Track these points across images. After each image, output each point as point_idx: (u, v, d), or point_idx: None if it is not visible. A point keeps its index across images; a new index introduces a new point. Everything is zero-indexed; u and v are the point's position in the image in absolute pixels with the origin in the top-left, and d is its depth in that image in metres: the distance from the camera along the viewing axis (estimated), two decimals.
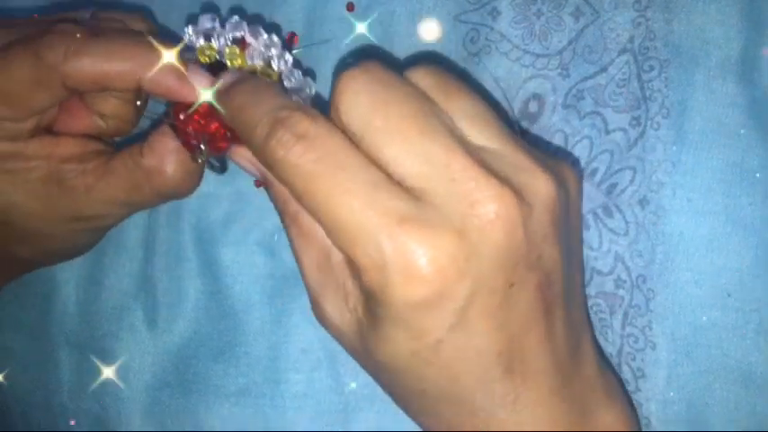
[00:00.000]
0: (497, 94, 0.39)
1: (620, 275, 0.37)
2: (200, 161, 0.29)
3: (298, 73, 0.28)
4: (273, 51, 0.27)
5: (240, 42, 0.26)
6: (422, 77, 0.26)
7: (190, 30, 0.27)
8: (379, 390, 0.38)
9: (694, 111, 0.38)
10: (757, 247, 0.37)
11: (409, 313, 0.23)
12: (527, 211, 0.24)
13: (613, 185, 0.38)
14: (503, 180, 0.24)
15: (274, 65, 0.27)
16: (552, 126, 0.38)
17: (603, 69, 0.39)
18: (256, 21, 0.31)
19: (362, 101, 0.24)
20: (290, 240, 0.28)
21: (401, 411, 0.37)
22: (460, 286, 0.23)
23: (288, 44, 0.35)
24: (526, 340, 0.25)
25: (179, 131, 0.28)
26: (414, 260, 0.22)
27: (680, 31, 0.38)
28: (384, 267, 0.23)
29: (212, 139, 0.28)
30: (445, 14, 0.40)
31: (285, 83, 0.27)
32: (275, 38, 0.27)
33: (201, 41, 0.27)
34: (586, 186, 0.38)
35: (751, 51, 0.38)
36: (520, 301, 0.24)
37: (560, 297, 0.26)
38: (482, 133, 0.25)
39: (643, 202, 0.38)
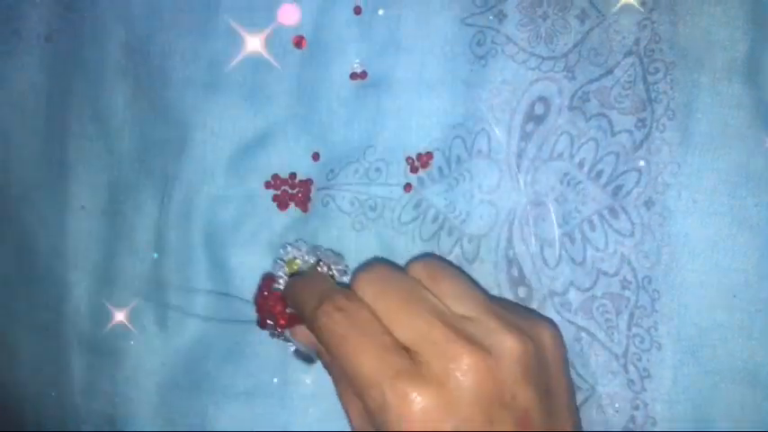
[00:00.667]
0: (504, 97, 0.39)
1: (626, 276, 0.38)
2: (270, 335, 0.38)
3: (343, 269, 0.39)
4: (336, 272, 0.38)
5: (317, 262, 0.38)
6: (418, 268, 0.34)
7: (286, 250, 0.39)
8: None
9: (700, 112, 0.38)
10: (763, 248, 0.37)
11: None
12: (494, 363, 0.30)
13: (619, 187, 0.38)
14: (475, 341, 0.30)
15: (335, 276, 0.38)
16: (558, 128, 0.39)
17: (609, 72, 0.39)
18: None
19: (369, 292, 0.32)
20: (339, 396, 0.35)
21: None
22: (446, 425, 0.29)
23: (296, 46, 0.41)
24: None
25: (259, 310, 0.38)
26: (406, 403, 0.29)
27: (685, 33, 0.38)
28: (384, 408, 0.29)
29: (276, 318, 0.37)
30: (452, 17, 0.40)
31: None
32: (339, 266, 0.39)
33: (290, 256, 0.39)
34: (592, 188, 0.38)
35: (757, 53, 0.38)
36: None
37: (540, 428, 0.30)
38: (462, 306, 0.32)
39: (649, 204, 0.38)
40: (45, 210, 0.44)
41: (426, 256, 0.36)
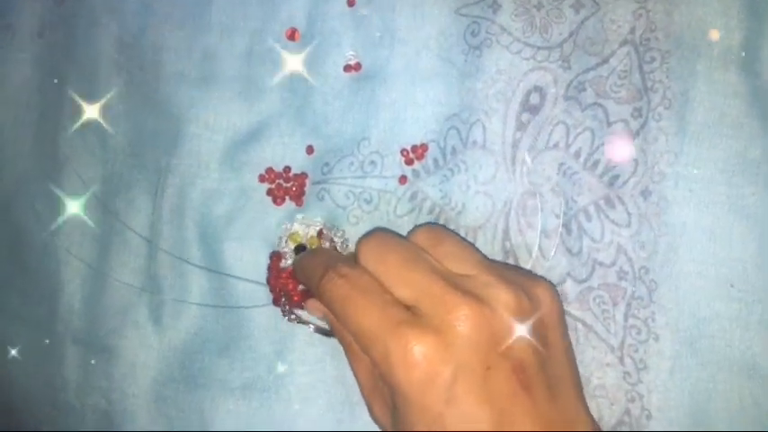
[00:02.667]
0: (499, 87, 0.39)
1: (623, 267, 0.37)
2: (283, 313, 0.40)
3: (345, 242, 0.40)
4: (337, 240, 0.40)
5: (319, 232, 0.40)
6: (419, 234, 0.35)
7: (287, 225, 0.40)
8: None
9: (696, 101, 0.38)
10: (760, 238, 0.37)
11: (412, 393, 0.30)
12: (489, 312, 0.31)
13: (615, 177, 0.38)
14: (471, 294, 0.31)
15: (337, 246, 0.40)
16: (554, 118, 0.38)
17: (605, 61, 0.39)
18: None
19: (371, 257, 0.34)
20: (349, 362, 0.36)
21: None
22: (445, 368, 0.30)
23: (289, 39, 0.41)
24: (513, 413, 0.30)
25: (271, 288, 0.40)
26: (407, 350, 0.30)
27: (681, 21, 0.38)
28: (388, 357, 0.30)
29: (290, 294, 0.39)
30: (446, 8, 0.40)
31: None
32: (339, 233, 0.40)
33: (292, 230, 0.40)
34: (588, 178, 0.38)
35: (752, 41, 0.37)
36: (499, 380, 0.30)
37: (537, 378, 0.31)
38: (461, 265, 0.33)
39: (645, 194, 0.38)
40: (38, 205, 0.44)
41: (428, 224, 0.36)
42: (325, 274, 0.34)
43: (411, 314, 0.31)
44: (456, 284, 0.32)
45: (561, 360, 0.32)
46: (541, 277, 0.35)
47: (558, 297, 0.34)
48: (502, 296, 0.32)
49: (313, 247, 0.39)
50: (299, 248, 0.39)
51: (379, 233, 0.35)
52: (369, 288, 0.33)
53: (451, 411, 0.30)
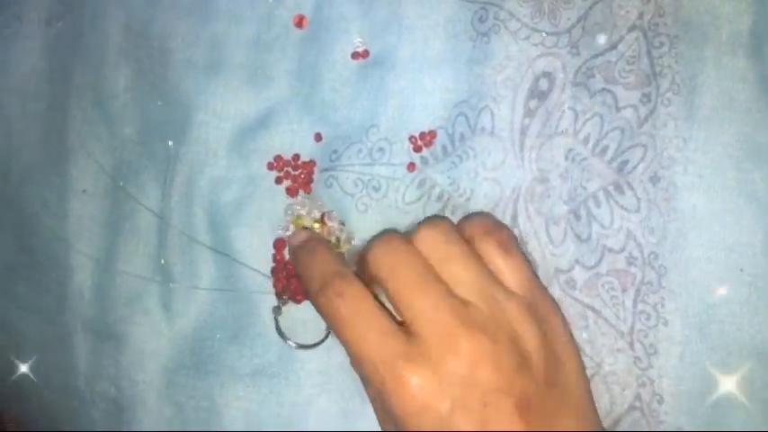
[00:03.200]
0: (507, 73, 0.39)
1: (632, 252, 0.37)
2: (275, 315, 0.40)
3: (350, 243, 0.40)
4: (336, 225, 0.40)
5: (321, 217, 0.40)
6: (428, 243, 0.34)
7: (290, 209, 0.40)
8: None
9: (705, 86, 0.38)
10: None
11: (407, 420, 0.31)
12: (493, 349, 0.31)
13: (624, 162, 0.38)
14: (476, 327, 0.32)
15: (337, 233, 0.40)
16: (562, 104, 0.38)
17: (613, 47, 0.38)
18: None
19: (383, 267, 0.34)
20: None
21: None
22: (441, 403, 0.31)
23: (297, 26, 0.42)
24: None
25: (274, 283, 0.40)
26: (402, 384, 0.31)
27: (689, 6, 0.38)
28: (384, 386, 0.31)
29: (293, 294, 0.39)
30: None
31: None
32: (338, 221, 0.40)
33: (295, 215, 0.40)
34: (597, 163, 0.38)
35: (761, 26, 0.37)
36: (499, 418, 0.31)
37: (542, 412, 0.31)
38: (466, 292, 0.33)
39: (654, 179, 0.38)
40: (47, 193, 0.44)
41: (434, 222, 0.36)
42: (321, 290, 0.34)
43: (409, 344, 0.32)
44: (461, 315, 0.32)
45: (570, 393, 0.33)
46: (551, 302, 0.36)
47: (568, 326, 0.35)
48: (507, 329, 0.32)
49: (316, 230, 0.40)
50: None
51: (391, 239, 0.35)
52: (367, 313, 0.33)
53: None
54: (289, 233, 0.40)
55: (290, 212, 0.40)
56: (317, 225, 0.40)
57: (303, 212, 0.40)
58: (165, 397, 0.41)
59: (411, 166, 0.40)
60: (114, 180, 0.43)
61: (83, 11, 0.45)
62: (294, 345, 0.39)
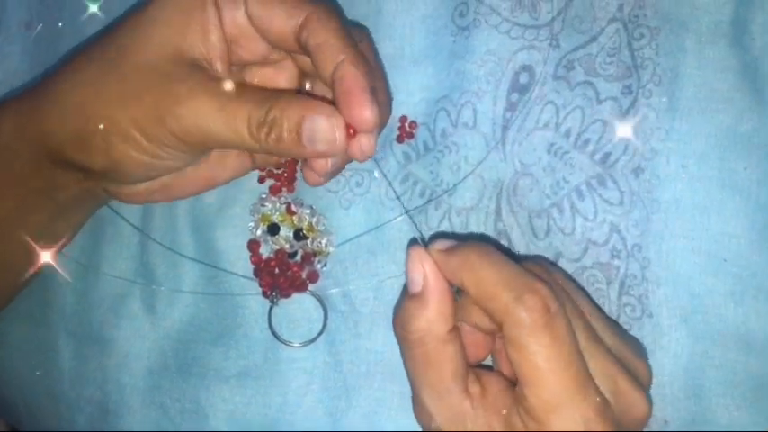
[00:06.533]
0: (488, 68, 0.39)
1: (616, 245, 0.37)
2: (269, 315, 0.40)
3: (322, 224, 0.40)
4: (305, 212, 0.40)
5: (287, 207, 0.40)
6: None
7: (255, 208, 0.40)
8: (377, 368, 0.39)
9: (686, 77, 0.37)
10: (753, 212, 0.36)
11: None
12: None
13: (607, 155, 0.38)
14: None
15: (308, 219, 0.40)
16: (543, 97, 0.38)
17: (593, 39, 0.38)
18: None
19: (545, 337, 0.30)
20: (418, 363, 0.33)
21: (400, 391, 0.38)
22: None
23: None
24: None
25: (260, 283, 0.40)
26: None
27: None
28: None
29: (281, 289, 0.39)
30: None
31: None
32: (309, 209, 0.40)
33: (261, 213, 0.40)
34: (579, 157, 0.38)
35: (741, 15, 0.37)
36: None
37: None
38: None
39: (637, 171, 0.37)
40: None
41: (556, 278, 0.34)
42: (519, 302, 0.30)
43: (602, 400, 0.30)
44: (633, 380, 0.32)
45: None
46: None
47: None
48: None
49: (284, 223, 0.39)
50: (273, 228, 0.39)
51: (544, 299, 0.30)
52: (572, 347, 0.30)
53: None
54: (259, 233, 0.40)
55: (255, 213, 0.40)
56: (285, 216, 0.40)
57: (268, 209, 0.40)
58: (151, 400, 0.41)
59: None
60: None
61: (62, 14, 0.45)
62: (298, 344, 0.39)
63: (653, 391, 0.35)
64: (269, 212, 0.40)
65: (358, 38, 0.35)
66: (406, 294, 0.33)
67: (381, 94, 0.35)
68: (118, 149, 0.34)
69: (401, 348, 0.33)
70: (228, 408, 0.40)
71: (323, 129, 0.32)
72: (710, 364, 0.36)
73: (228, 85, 0.33)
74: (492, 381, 0.32)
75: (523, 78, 0.38)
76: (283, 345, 0.39)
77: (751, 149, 0.37)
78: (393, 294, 0.38)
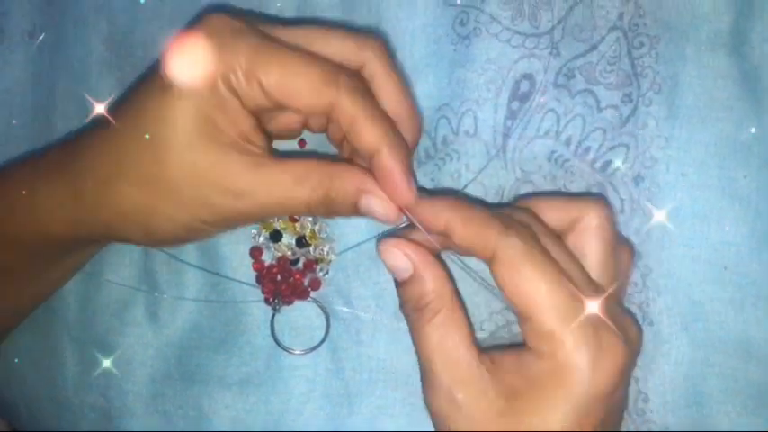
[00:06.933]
0: (489, 76, 0.39)
1: None
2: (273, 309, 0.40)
3: (324, 232, 0.40)
4: (308, 220, 0.40)
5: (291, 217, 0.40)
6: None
7: None
8: (379, 375, 0.39)
9: (686, 85, 0.38)
10: (753, 220, 0.37)
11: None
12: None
13: (607, 163, 0.38)
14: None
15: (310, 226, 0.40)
16: (544, 105, 0.38)
17: (594, 47, 0.39)
18: None
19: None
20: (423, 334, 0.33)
21: (402, 398, 0.38)
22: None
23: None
24: None
25: (263, 290, 0.40)
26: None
27: (669, 6, 0.38)
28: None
29: (283, 296, 0.40)
30: None
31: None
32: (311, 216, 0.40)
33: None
34: (580, 165, 0.38)
35: (741, 24, 0.38)
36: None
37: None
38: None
39: (637, 179, 0.38)
40: None
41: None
42: (505, 234, 0.31)
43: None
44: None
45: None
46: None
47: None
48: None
49: (287, 230, 0.40)
50: (275, 235, 0.40)
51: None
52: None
53: None
54: (262, 240, 0.40)
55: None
56: (287, 223, 0.40)
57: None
58: (154, 406, 0.41)
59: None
60: None
61: (65, 22, 0.45)
62: (300, 351, 0.40)
63: (654, 399, 0.35)
64: (272, 220, 0.40)
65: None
66: (400, 285, 0.34)
67: (413, 119, 0.36)
68: (168, 234, 0.35)
69: (413, 331, 0.33)
70: (231, 414, 0.40)
71: (376, 205, 0.34)
72: (711, 371, 0.36)
73: (270, 164, 0.34)
74: (492, 351, 0.33)
75: (524, 86, 0.39)
76: (285, 352, 0.39)
77: (751, 157, 0.37)
78: (395, 302, 0.38)
